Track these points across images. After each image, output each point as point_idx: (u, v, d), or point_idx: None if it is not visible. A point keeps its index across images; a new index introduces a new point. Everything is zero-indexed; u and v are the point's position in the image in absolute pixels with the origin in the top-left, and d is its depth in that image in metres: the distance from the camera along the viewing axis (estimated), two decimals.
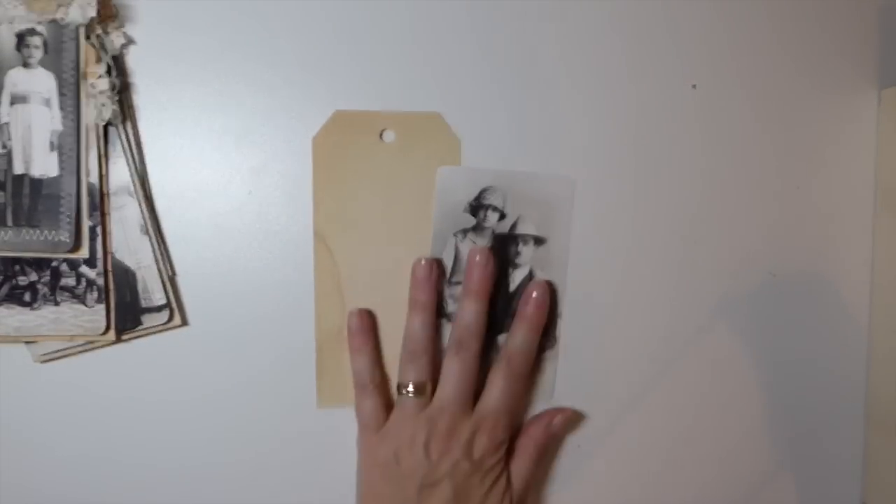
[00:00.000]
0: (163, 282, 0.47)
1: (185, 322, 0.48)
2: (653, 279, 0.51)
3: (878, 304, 0.53)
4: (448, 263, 0.49)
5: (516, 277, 0.50)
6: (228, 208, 0.48)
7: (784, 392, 0.53)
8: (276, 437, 0.49)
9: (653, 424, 0.52)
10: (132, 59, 0.47)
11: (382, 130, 0.48)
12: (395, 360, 0.48)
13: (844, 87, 0.52)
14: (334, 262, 0.48)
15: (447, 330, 0.49)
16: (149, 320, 0.47)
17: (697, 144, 0.51)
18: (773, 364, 0.53)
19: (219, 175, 0.48)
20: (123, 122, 0.46)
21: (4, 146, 0.44)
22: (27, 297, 0.45)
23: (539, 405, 0.51)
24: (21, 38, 0.44)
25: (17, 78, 0.44)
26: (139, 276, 0.46)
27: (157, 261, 0.47)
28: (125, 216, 0.46)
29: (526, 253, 0.49)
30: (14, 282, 0.45)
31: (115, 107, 0.45)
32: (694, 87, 0.51)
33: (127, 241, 0.46)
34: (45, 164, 0.44)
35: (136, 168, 0.46)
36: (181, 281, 0.48)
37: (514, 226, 0.49)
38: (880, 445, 0.52)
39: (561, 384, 0.51)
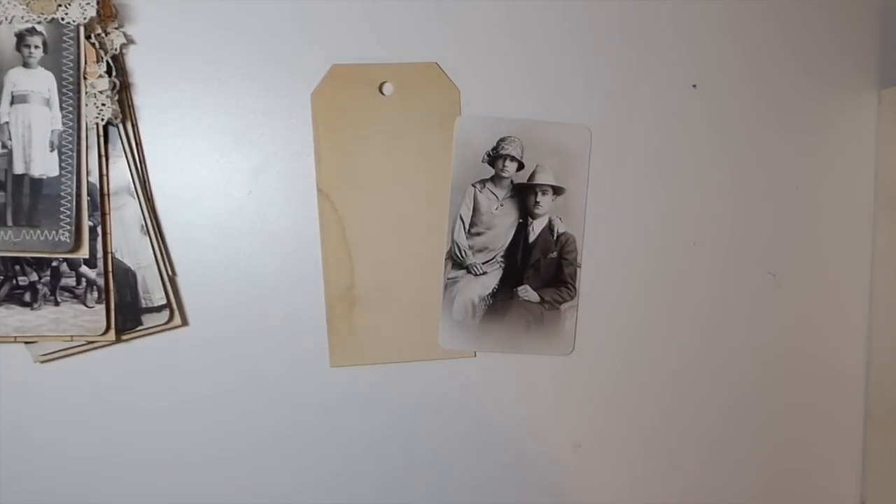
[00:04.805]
0: (163, 282, 0.47)
1: (185, 322, 0.48)
2: (658, 279, 0.52)
3: (878, 304, 0.53)
4: (467, 214, 0.49)
5: (535, 228, 0.50)
6: (228, 208, 0.48)
7: (784, 391, 0.53)
8: (276, 436, 0.49)
9: (652, 424, 0.52)
10: (132, 59, 0.47)
11: (382, 83, 0.48)
12: (405, 317, 0.49)
13: (844, 87, 0.52)
14: (339, 217, 0.48)
15: (468, 282, 0.49)
16: (149, 320, 0.47)
17: (698, 144, 0.51)
18: (773, 364, 0.53)
19: (219, 175, 0.48)
20: (124, 121, 0.46)
21: (4, 146, 0.44)
22: (27, 297, 0.45)
23: (560, 358, 0.51)
24: (21, 38, 0.44)
25: (17, 77, 0.44)
26: (139, 276, 0.46)
27: (157, 261, 0.47)
28: (125, 216, 0.46)
29: (545, 203, 0.50)
30: (14, 282, 0.45)
31: (115, 106, 0.45)
32: (694, 86, 0.51)
33: (127, 241, 0.46)
34: (45, 164, 0.44)
35: (136, 168, 0.46)
36: (181, 281, 0.48)
37: (532, 175, 0.50)
38: (880, 445, 0.53)
39: (581, 336, 0.51)
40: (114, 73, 0.45)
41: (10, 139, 0.44)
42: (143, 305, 0.47)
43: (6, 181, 0.44)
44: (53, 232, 0.44)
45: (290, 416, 0.49)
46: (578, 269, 0.51)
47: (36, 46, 0.44)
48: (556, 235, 0.50)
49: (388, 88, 0.48)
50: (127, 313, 0.46)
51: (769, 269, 0.53)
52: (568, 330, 0.51)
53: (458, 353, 0.50)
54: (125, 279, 0.46)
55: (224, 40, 0.47)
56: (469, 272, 0.50)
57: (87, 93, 0.44)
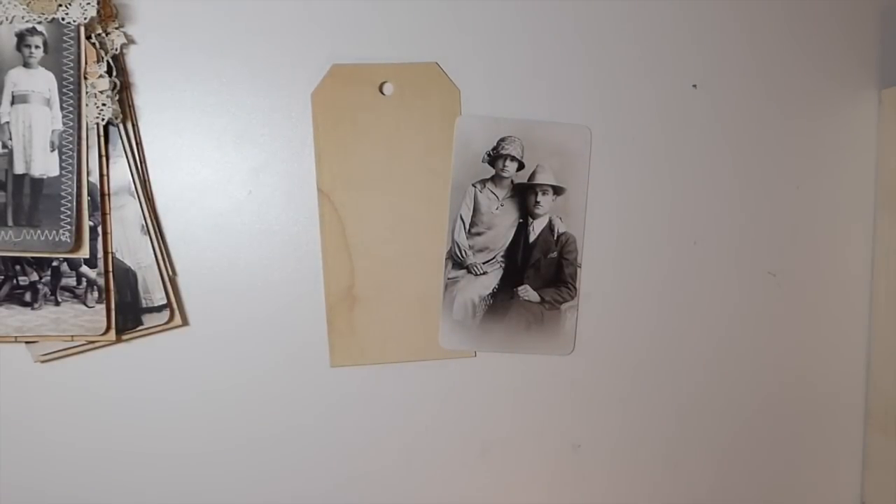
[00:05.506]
0: (163, 282, 0.47)
1: (185, 322, 0.48)
2: (658, 279, 0.52)
3: (878, 304, 0.53)
4: (467, 214, 0.49)
5: (536, 227, 0.50)
6: (228, 208, 0.48)
7: (784, 392, 0.53)
8: (276, 436, 0.49)
9: (652, 424, 0.52)
10: (132, 59, 0.47)
11: (382, 83, 0.48)
12: (405, 317, 0.49)
13: (845, 87, 0.52)
14: (339, 217, 0.48)
15: (468, 282, 0.49)
16: (149, 320, 0.47)
17: (698, 144, 0.51)
18: (773, 363, 0.53)
19: (219, 175, 0.48)
20: (124, 121, 0.46)
21: (5, 146, 0.44)
22: (28, 297, 0.45)
23: (559, 358, 0.51)
24: (21, 38, 0.44)
25: (18, 77, 0.44)
26: (139, 275, 0.46)
27: (157, 261, 0.47)
28: (126, 216, 0.46)
29: (545, 203, 0.50)
30: (15, 282, 0.45)
31: (116, 106, 0.45)
32: (694, 86, 0.51)
33: (127, 240, 0.46)
34: (45, 164, 0.44)
35: (136, 168, 0.46)
36: (181, 281, 0.48)
37: (532, 175, 0.50)
38: (880, 445, 0.52)
39: (581, 336, 0.51)
40: (114, 73, 0.45)
41: (10, 139, 0.44)
42: (144, 305, 0.47)
43: (7, 181, 0.44)
44: (54, 232, 0.44)
45: (290, 415, 0.49)
46: (578, 269, 0.51)
47: (36, 46, 0.44)
48: (556, 235, 0.50)
49: (388, 88, 0.48)
50: (127, 313, 0.46)
51: (769, 269, 0.53)
52: (568, 330, 0.51)
53: (458, 353, 0.50)
54: (125, 279, 0.46)
55: (224, 40, 0.47)
56: (469, 272, 0.50)
57: (87, 93, 0.44)
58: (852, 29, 0.52)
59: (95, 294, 0.46)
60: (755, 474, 0.54)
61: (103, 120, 0.45)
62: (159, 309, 0.47)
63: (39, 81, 0.44)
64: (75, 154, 0.44)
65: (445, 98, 0.49)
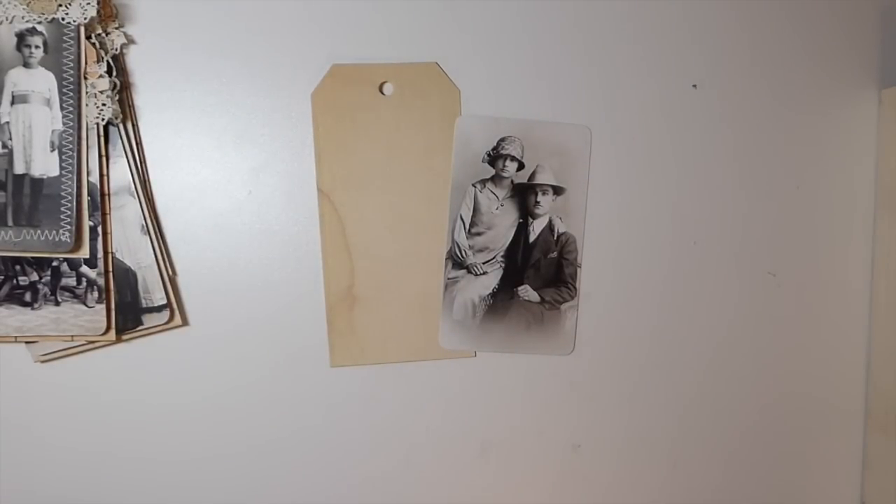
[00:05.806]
0: (163, 282, 0.47)
1: (185, 322, 0.48)
2: (658, 279, 0.52)
3: (878, 304, 0.53)
4: (467, 214, 0.49)
5: (536, 227, 0.50)
6: (228, 208, 0.48)
7: (784, 392, 0.53)
8: (276, 436, 0.49)
9: (652, 424, 0.52)
10: (132, 59, 0.47)
11: (382, 83, 0.48)
12: (405, 317, 0.49)
13: (845, 87, 0.52)
14: (339, 217, 0.48)
15: (468, 282, 0.49)
16: (149, 320, 0.47)
17: (698, 144, 0.51)
18: (773, 364, 0.53)
19: (219, 175, 0.48)
20: (124, 121, 0.46)
21: (5, 146, 0.44)
22: (28, 297, 0.45)
23: (559, 358, 0.51)
24: (21, 38, 0.44)
25: (18, 77, 0.44)
26: (139, 275, 0.46)
27: (157, 261, 0.47)
28: (126, 216, 0.46)
29: (545, 203, 0.50)
30: (15, 282, 0.45)
31: (116, 106, 0.45)
32: (694, 86, 0.51)
33: (127, 240, 0.46)
34: (45, 164, 0.44)
35: (136, 168, 0.46)
36: (181, 281, 0.48)
37: (532, 175, 0.50)
38: (880, 445, 0.52)
39: (581, 336, 0.51)
40: (114, 73, 0.45)
41: (10, 139, 0.44)
42: (144, 305, 0.47)
43: (7, 181, 0.44)
44: (54, 232, 0.44)
45: (290, 416, 0.49)
46: (578, 269, 0.51)
47: (36, 46, 0.44)
48: (556, 235, 0.50)
49: (388, 88, 0.48)
50: (127, 313, 0.46)
51: (769, 269, 0.53)
52: (568, 330, 0.51)
53: (458, 353, 0.50)
54: (125, 279, 0.46)
55: (224, 40, 0.47)
56: (469, 272, 0.50)
57: (87, 93, 0.44)
58: (852, 29, 0.52)
59: (95, 294, 0.46)
60: (755, 474, 0.54)
61: (103, 120, 0.45)
62: (159, 309, 0.47)
63: (39, 81, 0.44)
64: (75, 154, 0.44)
65: (445, 98, 0.49)
